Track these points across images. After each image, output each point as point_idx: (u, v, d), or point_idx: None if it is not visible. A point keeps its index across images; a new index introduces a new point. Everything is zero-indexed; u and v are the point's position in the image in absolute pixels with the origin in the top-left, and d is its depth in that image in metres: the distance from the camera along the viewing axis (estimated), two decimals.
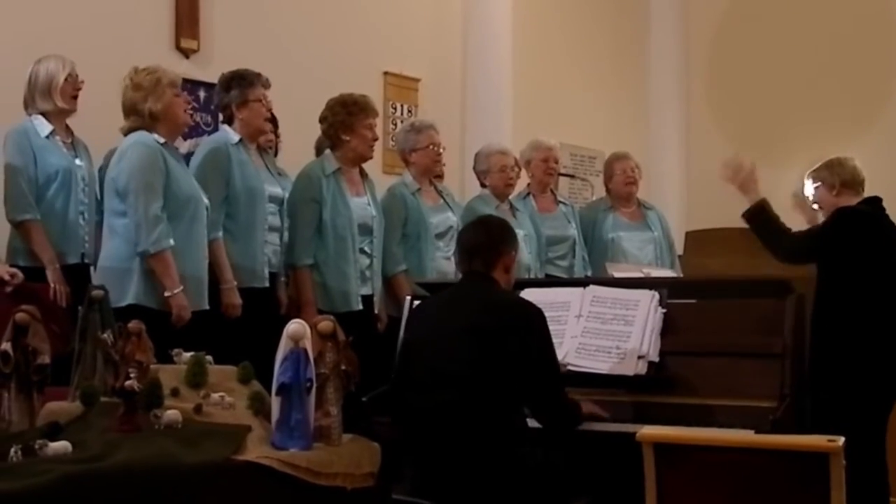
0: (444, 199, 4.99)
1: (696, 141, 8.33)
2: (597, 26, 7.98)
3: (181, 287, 3.78)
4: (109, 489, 2.46)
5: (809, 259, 4.06)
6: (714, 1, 8.48)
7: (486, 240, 3.28)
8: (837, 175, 4.19)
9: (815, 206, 4.34)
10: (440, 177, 5.19)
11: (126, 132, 3.92)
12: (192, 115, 4.67)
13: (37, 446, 2.54)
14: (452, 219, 4.87)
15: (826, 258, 4.01)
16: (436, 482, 3.13)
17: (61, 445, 2.59)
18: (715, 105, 8.48)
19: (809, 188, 4.30)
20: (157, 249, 3.76)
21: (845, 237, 4.01)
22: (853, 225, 4.05)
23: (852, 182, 4.20)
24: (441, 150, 4.97)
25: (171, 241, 3.79)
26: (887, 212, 4.17)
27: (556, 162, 5.47)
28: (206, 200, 4.00)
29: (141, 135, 3.87)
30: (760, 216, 4.20)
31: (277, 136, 4.86)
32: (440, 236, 4.80)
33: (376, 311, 4.55)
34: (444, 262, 4.73)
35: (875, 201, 4.17)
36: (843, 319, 3.90)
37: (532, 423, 3.20)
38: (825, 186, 4.21)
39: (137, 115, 3.90)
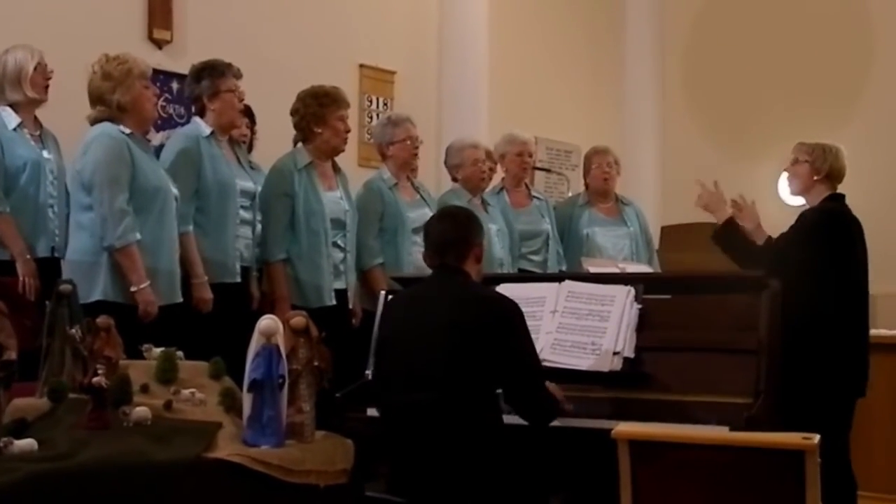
0: (421, 195, 4.96)
1: (672, 135, 8.35)
2: (573, 20, 7.97)
3: (148, 282, 3.73)
4: (77, 488, 2.43)
5: (778, 266, 3.98)
6: None
7: (456, 233, 3.25)
8: (830, 164, 4.11)
9: (786, 176, 4.25)
10: (413, 170, 5.15)
11: (92, 121, 3.86)
12: (162, 108, 4.61)
13: (2, 444, 2.50)
14: (429, 214, 4.82)
15: (793, 258, 3.98)
16: (411, 479, 3.11)
17: (27, 443, 2.55)
18: (690, 100, 8.50)
19: (795, 154, 4.19)
20: (123, 244, 3.70)
21: (811, 239, 3.99)
22: (819, 226, 4.02)
23: (837, 176, 4.15)
24: (418, 144, 4.94)
25: (138, 235, 3.74)
26: (861, 204, 4.16)
27: (531, 156, 5.45)
28: (175, 191, 3.95)
29: (105, 126, 3.81)
30: (728, 234, 4.18)
31: (254, 132, 4.81)
32: (417, 231, 4.75)
33: (350, 306, 4.52)
34: (421, 257, 4.69)
35: (839, 198, 4.15)
36: (808, 317, 3.87)
37: (508, 419, 3.19)
38: (812, 167, 4.12)
39: (104, 105, 3.84)
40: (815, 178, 4.12)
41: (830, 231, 4.01)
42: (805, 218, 4.08)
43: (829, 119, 7.35)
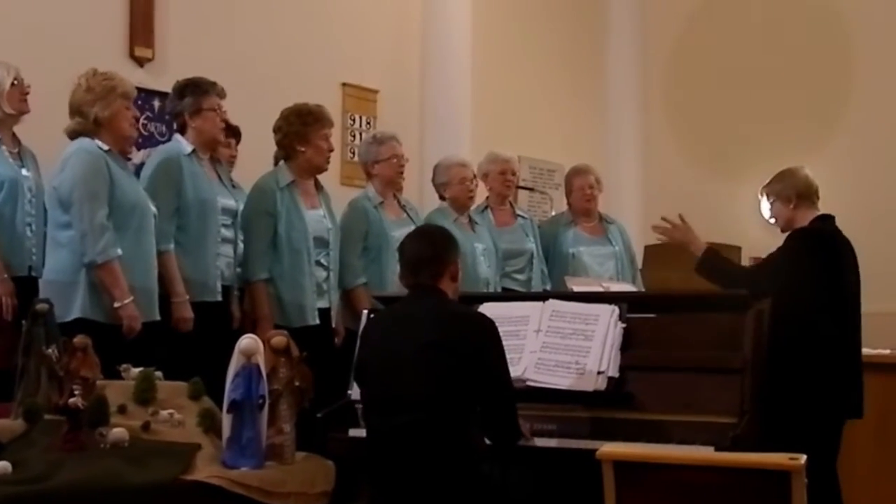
0: (407, 213, 4.93)
1: (654, 154, 8.36)
2: (556, 39, 7.98)
3: (131, 297, 3.69)
4: None
5: (770, 288, 3.97)
6: (672, 14, 8.53)
7: (431, 252, 3.21)
8: (792, 187, 4.13)
9: (773, 221, 4.29)
10: (399, 189, 5.13)
11: (69, 133, 3.84)
12: (143, 126, 4.57)
13: None
14: None
15: (783, 279, 3.96)
16: (394, 501, 3.07)
17: (1, 465, 2.52)
18: (673, 118, 8.53)
19: (765, 204, 4.23)
20: (105, 259, 3.66)
21: (802, 259, 3.98)
22: (809, 245, 4.01)
23: (807, 192, 4.15)
24: (404, 162, 4.92)
25: (119, 251, 3.70)
26: (843, 222, 4.16)
27: (514, 174, 5.43)
28: (153, 208, 3.92)
29: (83, 141, 3.79)
30: (710, 263, 4.18)
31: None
32: None
33: (333, 325, 4.48)
34: None
35: (828, 219, 4.14)
36: (797, 338, 3.85)
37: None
38: (781, 200, 4.14)
39: (82, 118, 3.82)
40: (791, 206, 4.13)
41: (820, 250, 4.00)
42: (794, 238, 4.07)
43: (810, 139, 7.39)
